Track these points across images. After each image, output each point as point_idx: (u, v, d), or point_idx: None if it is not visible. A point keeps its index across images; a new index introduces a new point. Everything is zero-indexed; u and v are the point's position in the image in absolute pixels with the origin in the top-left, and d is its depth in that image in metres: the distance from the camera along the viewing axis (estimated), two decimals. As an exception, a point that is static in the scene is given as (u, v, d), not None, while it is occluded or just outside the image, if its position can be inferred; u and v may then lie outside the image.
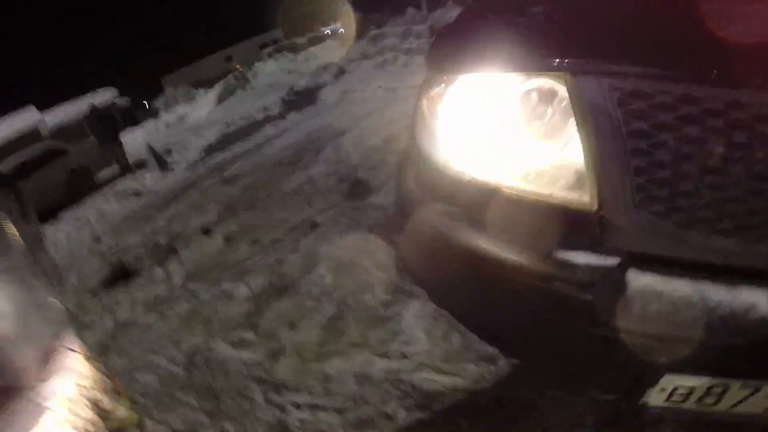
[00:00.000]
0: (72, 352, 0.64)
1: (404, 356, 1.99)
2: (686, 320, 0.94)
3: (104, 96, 26.70)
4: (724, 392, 0.98)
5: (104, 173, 11.21)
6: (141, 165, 10.11)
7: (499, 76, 1.19)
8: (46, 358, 0.59)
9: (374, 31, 17.31)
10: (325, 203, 3.99)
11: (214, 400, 2.09)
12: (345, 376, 1.96)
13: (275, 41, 46.93)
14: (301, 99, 11.65)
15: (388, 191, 3.76)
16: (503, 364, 1.82)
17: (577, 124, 1.03)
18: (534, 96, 1.12)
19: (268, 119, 10.34)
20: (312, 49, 19.66)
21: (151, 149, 8.63)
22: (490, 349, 1.83)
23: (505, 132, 1.17)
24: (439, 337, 2.01)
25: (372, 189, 4.03)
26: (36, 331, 0.58)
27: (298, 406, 1.89)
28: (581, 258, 1.02)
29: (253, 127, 9.95)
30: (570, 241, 1.04)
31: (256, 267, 3.14)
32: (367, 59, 14.85)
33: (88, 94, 26.53)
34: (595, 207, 1.01)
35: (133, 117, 26.85)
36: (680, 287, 0.96)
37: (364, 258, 2.77)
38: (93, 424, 0.95)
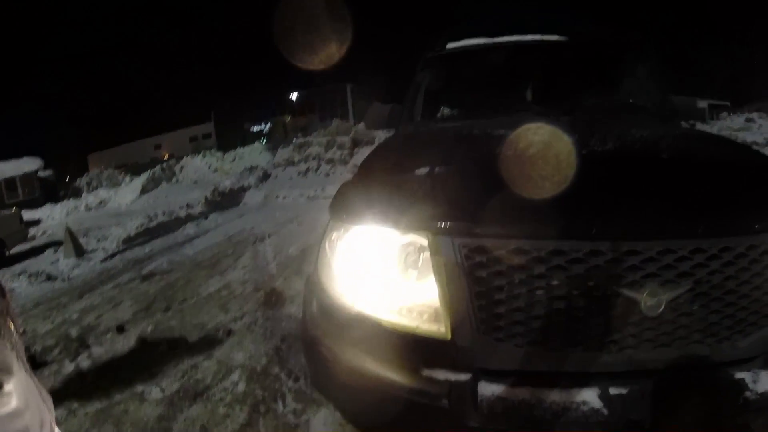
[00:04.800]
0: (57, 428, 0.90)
1: (310, 462, 2.16)
2: (528, 419, 1.21)
3: (30, 165, 25.32)
4: None
5: (18, 249, 10.33)
6: (56, 246, 9.44)
7: (382, 230, 1.44)
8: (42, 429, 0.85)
9: (301, 139, 18.01)
10: (240, 311, 4.09)
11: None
12: (252, 480, 2.12)
13: (206, 135, 47.26)
14: (225, 200, 11.82)
15: (302, 303, 4.04)
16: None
17: (434, 272, 1.34)
18: (408, 247, 1.42)
19: (190, 217, 10.37)
20: (240, 149, 20.18)
21: (70, 232, 8.21)
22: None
23: (385, 274, 1.45)
24: (344, 444, 2.22)
25: (286, 299, 4.20)
26: (41, 407, 0.84)
27: None
28: (440, 375, 1.30)
29: (175, 223, 9.88)
30: (431, 361, 1.33)
31: (170, 371, 3.15)
32: (292, 165, 15.36)
33: (11, 161, 25.11)
34: (449, 336, 1.31)
35: (55, 192, 25.42)
36: (521, 393, 1.23)
37: (276, 367, 2.98)
38: None
